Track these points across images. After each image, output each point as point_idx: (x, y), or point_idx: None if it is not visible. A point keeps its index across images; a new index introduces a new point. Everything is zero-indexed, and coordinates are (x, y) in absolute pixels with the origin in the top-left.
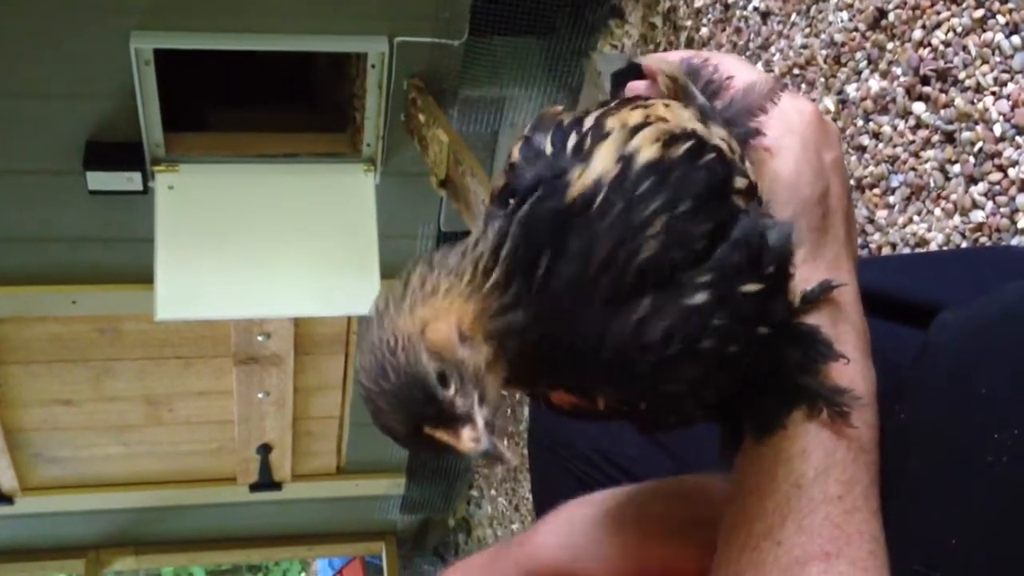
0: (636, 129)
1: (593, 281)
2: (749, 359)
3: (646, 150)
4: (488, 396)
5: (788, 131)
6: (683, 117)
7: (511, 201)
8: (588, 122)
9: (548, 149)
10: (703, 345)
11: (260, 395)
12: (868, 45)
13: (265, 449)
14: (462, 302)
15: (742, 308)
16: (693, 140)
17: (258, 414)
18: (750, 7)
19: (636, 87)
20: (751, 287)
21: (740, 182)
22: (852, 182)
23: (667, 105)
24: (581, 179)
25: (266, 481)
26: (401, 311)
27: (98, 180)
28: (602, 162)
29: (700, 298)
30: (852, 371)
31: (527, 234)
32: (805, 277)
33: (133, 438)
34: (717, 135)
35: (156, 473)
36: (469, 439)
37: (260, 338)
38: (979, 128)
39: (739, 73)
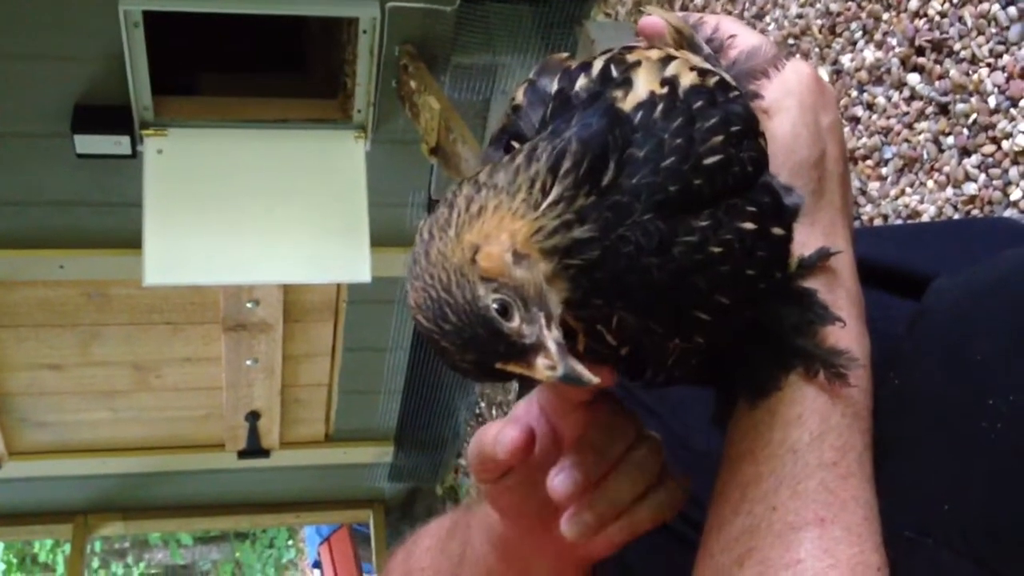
0: (664, 60)
1: (661, 186)
2: (763, 304)
3: (685, 76)
4: (554, 314)
5: (786, 93)
6: (696, 59)
7: (514, 144)
8: (598, 64)
9: (554, 90)
10: (747, 272)
11: (248, 362)
12: (864, 15)
13: (253, 416)
14: (512, 219)
15: (772, 247)
16: (718, 76)
17: (246, 381)
18: None
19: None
20: (778, 230)
21: (760, 127)
22: None
23: (678, 49)
24: (633, 94)
25: (254, 448)
26: (447, 238)
27: (86, 143)
28: (646, 83)
29: (749, 226)
30: (848, 335)
31: (589, 149)
32: (801, 242)
33: (121, 404)
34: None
35: (144, 439)
36: (545, 367)
37: (249, 305)
38: (974, 100)
39: (739, 33)
